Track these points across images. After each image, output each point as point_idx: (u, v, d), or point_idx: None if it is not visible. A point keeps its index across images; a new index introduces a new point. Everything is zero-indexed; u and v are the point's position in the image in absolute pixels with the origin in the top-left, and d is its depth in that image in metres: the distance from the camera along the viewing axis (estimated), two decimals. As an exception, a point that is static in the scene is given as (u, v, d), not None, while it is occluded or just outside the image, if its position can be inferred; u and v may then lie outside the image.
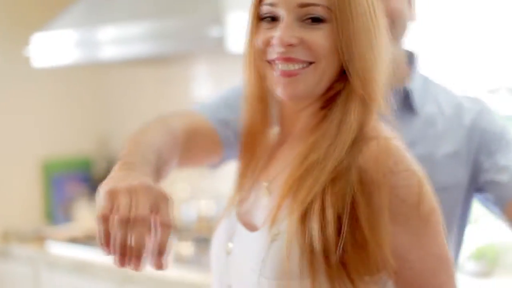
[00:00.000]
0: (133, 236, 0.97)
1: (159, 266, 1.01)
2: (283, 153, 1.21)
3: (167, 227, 1.00)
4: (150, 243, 0.99)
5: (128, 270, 3.08)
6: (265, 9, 1.15)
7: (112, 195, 1.00)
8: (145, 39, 2.82)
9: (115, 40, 2.95)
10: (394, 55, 1.39)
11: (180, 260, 2.81)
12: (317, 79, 1.13)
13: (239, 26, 2.52)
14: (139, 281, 2.71)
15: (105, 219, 0.99)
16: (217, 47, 2.57)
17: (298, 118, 1.20)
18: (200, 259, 2.78)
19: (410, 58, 1.52)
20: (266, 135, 1.26)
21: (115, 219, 0.98)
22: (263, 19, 1.16)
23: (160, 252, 0.99)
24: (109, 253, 0.99)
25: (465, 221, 1.51)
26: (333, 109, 1.14)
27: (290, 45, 1.12)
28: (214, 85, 3.35)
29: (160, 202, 1.01)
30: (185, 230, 3.16)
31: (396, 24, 1.39)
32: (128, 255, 0.98)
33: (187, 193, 3.21)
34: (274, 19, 1.14)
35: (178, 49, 2.79)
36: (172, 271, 2.68)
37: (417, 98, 1.47)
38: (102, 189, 1.02)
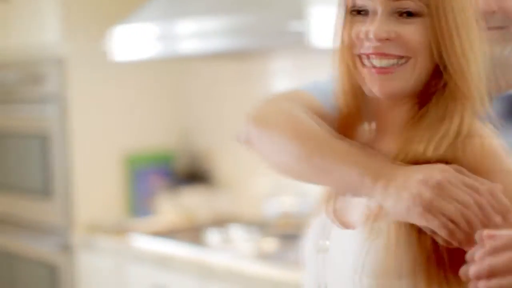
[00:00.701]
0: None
1: None
2: (379, 149, 1.19)
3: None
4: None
5: (211, 265, 3.03)
6: (354, 2, 1.13)
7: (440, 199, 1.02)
8: (225, 33, 2.82)
9: (195, 34, 2.96)
10: (503, 58, 1.34)
11: (263, 256, 2.81)
12: (413, 75, 1.11)
13: (321, 20, 2.50)
14: (221, 276, 2.72)
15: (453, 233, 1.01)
16: (298, 41, 2.56)
17: (394, 114, 1.18)
18: (283, 255, 2.77)
19: None
20: (359, 130, 1.24)
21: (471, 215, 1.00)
22: (351, 12, 1.14)
23: None
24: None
25: None
26: (431, 106, 1.12)
27: (386, 39, 1.10)
28: (295, 80, 3.34)
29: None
30: (268, 225, 3.16)
31: None
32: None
33: (269, 188, 3.21)
34: (362, 12, 1.13)
35: (258, 44, 2.78)
36: (255, 267, 2.68)
37: None
38: (418, 200, 1.02)
